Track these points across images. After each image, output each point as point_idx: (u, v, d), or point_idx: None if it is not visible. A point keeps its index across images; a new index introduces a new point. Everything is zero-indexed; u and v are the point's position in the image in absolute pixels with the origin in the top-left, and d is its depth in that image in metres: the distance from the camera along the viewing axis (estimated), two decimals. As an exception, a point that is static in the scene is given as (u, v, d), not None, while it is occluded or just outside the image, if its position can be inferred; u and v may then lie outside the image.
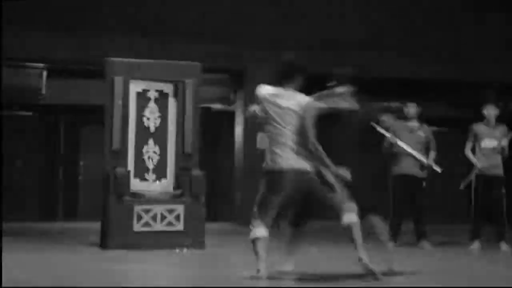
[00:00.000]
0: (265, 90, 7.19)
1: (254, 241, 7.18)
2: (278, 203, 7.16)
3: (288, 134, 7.07)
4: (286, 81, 7.16)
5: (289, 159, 7.04)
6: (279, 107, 7.07)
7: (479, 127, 11.27)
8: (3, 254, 7.27)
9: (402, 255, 10.08)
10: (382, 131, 11.41)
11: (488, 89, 15.57)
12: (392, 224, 11.17)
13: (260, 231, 7.18)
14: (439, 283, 7.49)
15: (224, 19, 16.26)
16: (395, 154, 11.33)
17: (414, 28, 17.21)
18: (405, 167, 11.26)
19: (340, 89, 8.57)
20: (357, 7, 17.02)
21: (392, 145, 11.19)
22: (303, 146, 7.06)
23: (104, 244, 10.19)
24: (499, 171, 11.13)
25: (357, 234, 6.98)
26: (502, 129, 11.26)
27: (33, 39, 15.22)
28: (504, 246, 10.92)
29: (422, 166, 11.28)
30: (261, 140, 16.58)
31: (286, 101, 7.09)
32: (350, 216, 6.99)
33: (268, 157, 7.19)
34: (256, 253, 7.12)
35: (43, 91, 16.35)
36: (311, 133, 7.06)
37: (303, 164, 7.05)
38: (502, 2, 17.45)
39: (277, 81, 7.22)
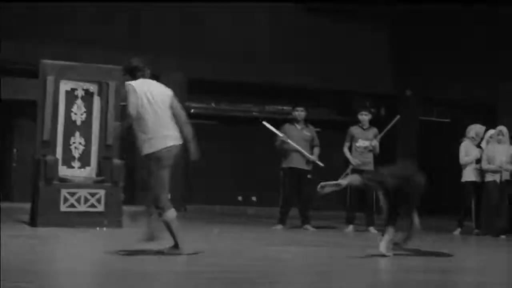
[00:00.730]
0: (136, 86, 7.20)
1: (169, 222, 7.19)
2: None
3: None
4: (139, 71, 7.28)
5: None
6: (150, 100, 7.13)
7: (354, 129, 11.58)
8: None
9: (293, 235, 10.76)
10: (274, 130, 11.81)
11: (362, 97, 16.02)
12: (282, 210, 11.56)
13: (173, 212, 7.26)
14: (319, 254, 7.98)
15: (143, 31, 16.35)
16: (285, 150, 11.54)
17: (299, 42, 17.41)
18: (293, 161, 11.47)
19: None
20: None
21: (283, 142, 11.46)
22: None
23: (33, 222, 10.17)
24: (370, 166, 11.38)
25: (175, 227, 7.20)
26: (373, 131, 11.61)
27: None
28: (372, 230, 11.27)
29: (307, 160, 11.50)
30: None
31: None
32: (170, 214, 7.21)
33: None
34: (170, 231, 7.19)
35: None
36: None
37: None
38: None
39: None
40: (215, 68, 16.68)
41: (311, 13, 17.36)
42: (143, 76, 7.30)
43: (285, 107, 17.01)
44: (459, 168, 12.28)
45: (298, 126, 11.68)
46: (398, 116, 12.47)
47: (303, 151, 11.45)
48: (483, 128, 12.31)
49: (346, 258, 7.94)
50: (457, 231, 12.04)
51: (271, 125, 11.90)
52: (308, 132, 11.68)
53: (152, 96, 7.16)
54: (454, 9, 17.40)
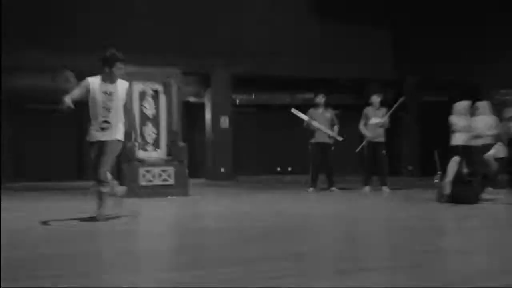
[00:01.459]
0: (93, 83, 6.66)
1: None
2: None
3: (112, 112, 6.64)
4: (109, 67, 6.61)
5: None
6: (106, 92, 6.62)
7: (368, 110, 11.71)
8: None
9: (323, 196, 10.90)
10: (300, 115, 12.09)
11: (374, 83, 16.15)
12: (312, 176, 11.74)
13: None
14: (342, 208, 8.20)
15: (192, 37, 16.60)
16: (311, 129, 11.74)
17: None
18: (318, 137, 11.65)
19: None
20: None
21: (308, 124, 11.71)
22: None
23: None
24: (381, 139, 11.54)
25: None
26: (383, 110, 11.68)
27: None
28: (385, 189, 11.44)
29: (329, 136, 11.67)
30: (223, 121, 17.17)
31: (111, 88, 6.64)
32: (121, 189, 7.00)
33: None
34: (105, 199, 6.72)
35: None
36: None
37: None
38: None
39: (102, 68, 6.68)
40: (253, 65, 16.81)
41: (324, 16, 17.41)
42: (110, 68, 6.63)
43: (309, 95, 16.98)
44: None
45: (320, 110, 11.79)
46: (403, 98, 12.58)
47: (325, 129, 11.63)
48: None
49: (359, 210, 8.33)
50: None
51: (300, 110, 12.13)
52: (328, 114, 11.82)
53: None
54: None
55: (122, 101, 6.73)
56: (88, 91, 6.69)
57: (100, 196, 6.66)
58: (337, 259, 4.47)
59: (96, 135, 6.69)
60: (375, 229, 6.43)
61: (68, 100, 6.50)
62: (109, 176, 6.71)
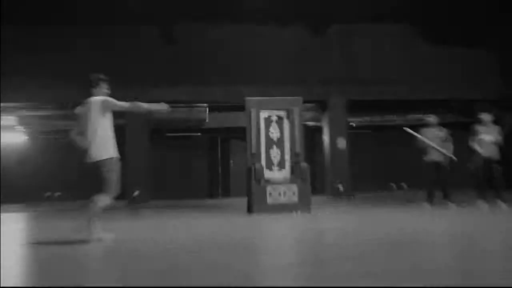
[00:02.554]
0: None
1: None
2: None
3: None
4: (95, 88, 6.41)
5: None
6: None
7: (480, 127, 11.00)
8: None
9: (439, 210, 10.41)
10: (413, 133, 11.54)
11: (484, 103, 15.43)
12: (428, 193, 11.18)
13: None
14: (467, 230, 7.59)
15: (307, 69, 16.57)
16: (425, 148, 11.24)
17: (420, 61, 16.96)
18: (432, 156, 11.16)
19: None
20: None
21: (422, 142, 11.17)
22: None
23: (250, 211, 10.53)
24: (495, 155, 10.82)
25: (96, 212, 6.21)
26: (496, 128, 11.02)
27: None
28: (502, 204, 10.56)
29: (444, 155, 11.11)
30: (340, 142, 16.87)
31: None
32: (104, 198, 6.19)
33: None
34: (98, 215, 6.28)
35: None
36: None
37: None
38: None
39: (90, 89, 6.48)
40: (365, 91, 16.63)
41: (430, 41, 16.89)
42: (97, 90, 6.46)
43: (419, 115, 16.68)
44: None
45: (432, 129, 11.32)
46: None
47: (438, 147, 11.09)
48: None
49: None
50: None
51: (412, 130, 11.69)
52: (441, 133, 11.28)
53: None
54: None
55: (96, 118, 6.29)
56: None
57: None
58: (456, 274, 4.04)
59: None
60: (493, 244, 5.86)
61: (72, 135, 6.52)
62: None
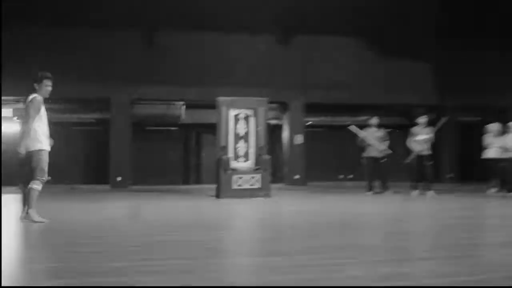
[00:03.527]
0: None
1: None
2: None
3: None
4: (38, 84, 6.08)
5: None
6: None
7: (415, 129, 11.32)
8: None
9: (378, 198, 10.53)
10: (357, 132, 11.77)
11: (419, 108, 15.64)
12: (369, 183, 11.43)
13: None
14: (391, 206, 7.99)
15: (273, 74, 16.67)
16: (366, 145, 11.44)
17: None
18: (371, 152, 11.38)
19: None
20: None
21: (363, 140, 11.39)
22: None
23: (218, 196, 10.36)
24: (427, 152, 11.10)
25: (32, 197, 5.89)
26: (428, 129, 11.25)
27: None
28: (430, 193, 10.90)
29: (380, 151, 11.34)
30: (298, 138, 17.09)
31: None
32: (33, 183, 5.89)
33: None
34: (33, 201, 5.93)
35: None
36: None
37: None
38: None
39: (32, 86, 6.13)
40: (320, 95, 16.77)
41: (377, 53, 17.20)
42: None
43: (365, 117, 16.93)
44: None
45: (373, 129, 11.51)
46: (444, 119, 12.15)
47: (377, 144, 11.31)
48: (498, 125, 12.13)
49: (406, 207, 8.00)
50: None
51: (357, 129, 11.87)
52: (380, 133, 11.51)
53: None
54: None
55: (28, 113, 6.03)
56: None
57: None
58: (392, 249, 4.32)
59: None
60: (423, 225, 6.17)
61: None
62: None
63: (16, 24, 14.52)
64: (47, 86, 6.18)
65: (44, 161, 6.02)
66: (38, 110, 6.04)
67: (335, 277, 3.12)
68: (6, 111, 16.30)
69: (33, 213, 5.92)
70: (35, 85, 6.13)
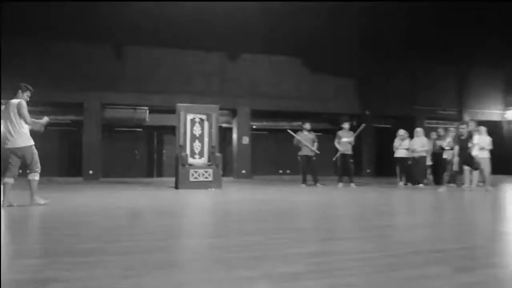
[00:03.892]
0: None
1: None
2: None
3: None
4: (22, 92, 6.08)
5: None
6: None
7: (341, 132, 11.53)
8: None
9: (310, 189, 10.53)
10: (294, 134, 11.82)
11: (344, 115, 15.97)
12: (303, 177, 11.48)
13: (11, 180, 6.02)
14: (323, 197, 8.05)
15: (224, 85, 16.68)
16: (299, 146, 11.43)
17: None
18: (304, 151, 11.37)
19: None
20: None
21: (298, 141, 11.39)
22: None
23: (177, 187, 10.30)
24: (350, 152, 11.34)
25: (34, 187, 6.12)
26: (351, 133, 11.50)
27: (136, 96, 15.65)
28: (352, 185, 11.13)
29: (311, 150, 11.32)
30: (244, 139, 17.09)
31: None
32: (34, 176, 6.12)
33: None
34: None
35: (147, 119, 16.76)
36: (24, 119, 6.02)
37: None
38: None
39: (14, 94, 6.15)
40: (264, 103, 16.89)
41: (313, 69, 17.45)
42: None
43: (299, 122, 17.14)
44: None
45: (306, 132, 11.54)
46: (363, 125, 12.56)
47: (309, 145, 11.35)
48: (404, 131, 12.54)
49: (334, 196, 8.13)
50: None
51: (293, 132, 12.00)
52: (311, 135, 11.56)
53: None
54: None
55: (15, 116, 6.03)
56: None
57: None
58: (321, 231, 4.35)
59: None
60: (346, 211, 6.26)
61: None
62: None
63: (11, 35, 13.97)
64: (27, 96, 6.24)
65: (36, 154, 6.15)
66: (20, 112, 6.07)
67: (271, 254, 3.10)
68: None
69: (38, 198, 6.20)
70: (19, 93, 6.16)
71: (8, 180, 6.02)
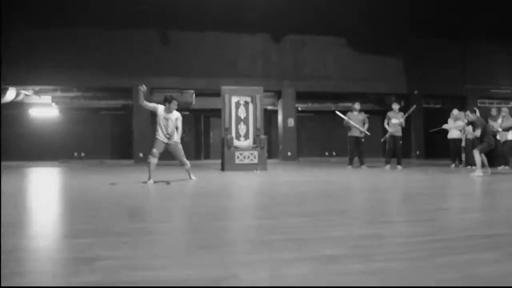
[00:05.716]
0: (160, 109, 7.20)
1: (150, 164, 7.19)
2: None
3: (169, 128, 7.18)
4: (168, 103, 7.19)
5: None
6: (167, 119, 7.22)
7: (390, 113, 11.22)
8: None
9: (357, 171, 10.52)
10: (342, 116, 11.66)
11: (394, 96, 15.47)
12: (350, 158, 11.37)
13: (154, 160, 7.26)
14: (371, 177, 7.90)
15: (268, 67, 16.59)
16: (349, 127, 11.27)
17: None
18: (354, 132, 11.21)
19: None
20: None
21: (347, 122, 11.21)
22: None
23: (223, 169, 10.48)
24: (400, 133, 11.05)
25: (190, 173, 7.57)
26: (401, 114, 11.21)
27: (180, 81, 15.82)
28: (399, 167, 10.91)
29: (360, 132, 11.16)
30: (290, 121, 16.98)
31: (171, 115, 7.25)
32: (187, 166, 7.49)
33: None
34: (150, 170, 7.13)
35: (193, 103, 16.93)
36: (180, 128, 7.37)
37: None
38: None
39: (164, 104, 7.20)
40: (309, 85, 16.71)
41: (359, 51, 17.01)
42: None
43: (346, 103, 16.98)
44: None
45: (356, 113, 11.34)
46: (414, 106, 12.10)
47: (358, 126, 11.16)
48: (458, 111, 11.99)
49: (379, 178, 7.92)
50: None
51: (343, 113, 11.79)
52: (361, 116, 11.35)
53: None
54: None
55: (175, 123, 7.39)
56: (155, 111, 7.31)
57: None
58: (367, 214, 4.21)
59: (164, 139, 7.38)
60: (394, 193, 6.07)
61: (143, 88, 6.92)
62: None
63: (65, 25, 14.47)
64: (175, 105, 7.37)
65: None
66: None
67: (315, 237, 3.01)
68: (46, 98, 16.20)
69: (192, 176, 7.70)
70: (166, 103, 7.29)
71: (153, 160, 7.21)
